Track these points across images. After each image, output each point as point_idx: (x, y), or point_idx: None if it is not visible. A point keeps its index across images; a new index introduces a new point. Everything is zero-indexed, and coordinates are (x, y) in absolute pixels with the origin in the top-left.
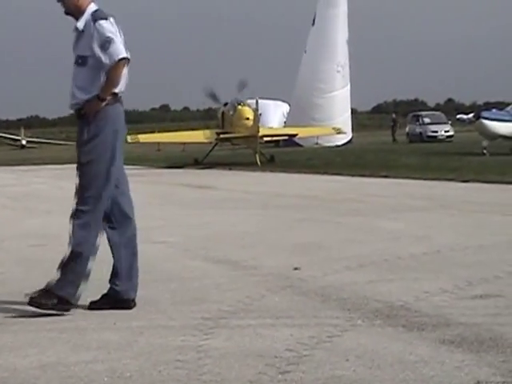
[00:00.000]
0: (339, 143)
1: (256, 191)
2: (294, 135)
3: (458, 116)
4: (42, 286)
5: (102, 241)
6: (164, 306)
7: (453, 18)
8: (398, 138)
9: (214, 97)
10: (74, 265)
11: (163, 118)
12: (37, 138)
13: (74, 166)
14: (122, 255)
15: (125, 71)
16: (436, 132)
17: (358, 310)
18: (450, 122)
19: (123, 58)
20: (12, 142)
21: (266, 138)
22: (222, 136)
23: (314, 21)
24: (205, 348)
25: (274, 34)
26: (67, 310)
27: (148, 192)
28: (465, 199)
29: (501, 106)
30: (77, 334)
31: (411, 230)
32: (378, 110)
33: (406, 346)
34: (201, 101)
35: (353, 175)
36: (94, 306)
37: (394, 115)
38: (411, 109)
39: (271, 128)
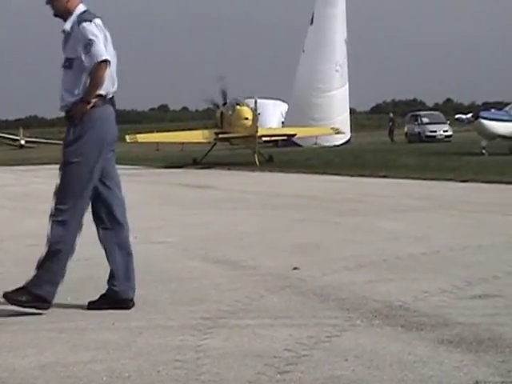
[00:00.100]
0: (337, 143)
1: (255, 191)
2: (293, 135)
3: (457, 116)
4: None
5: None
6: (163, 306)
7: (452, 18)
8: (396, 138)
9: (224, 95)
10: (49, 264)
11: (162, 118)
12: (35, 137)
13: None
14: (117, 256)
15: (108, 72)
16: (435, 132)
17: (357, 310)
18: (448, 122)
19: (104, 61)
20: (11, 142)
21: (264, 138)
22: (220, 136)
23: (312, 20)
24: (203, 348)
25: (273, 34)
26: (46, 309)
27: (147, 192)
28: (464, 199)
29: (499, 105)
30: (76, 334)
31: (410, 230)
32: (376, 110)
33: (405, 345)
34: (208, 99)
35: (352, 175)
36: (92, 306)
37: (391, 115)
38: (410, 109)
39: (270, 128)
